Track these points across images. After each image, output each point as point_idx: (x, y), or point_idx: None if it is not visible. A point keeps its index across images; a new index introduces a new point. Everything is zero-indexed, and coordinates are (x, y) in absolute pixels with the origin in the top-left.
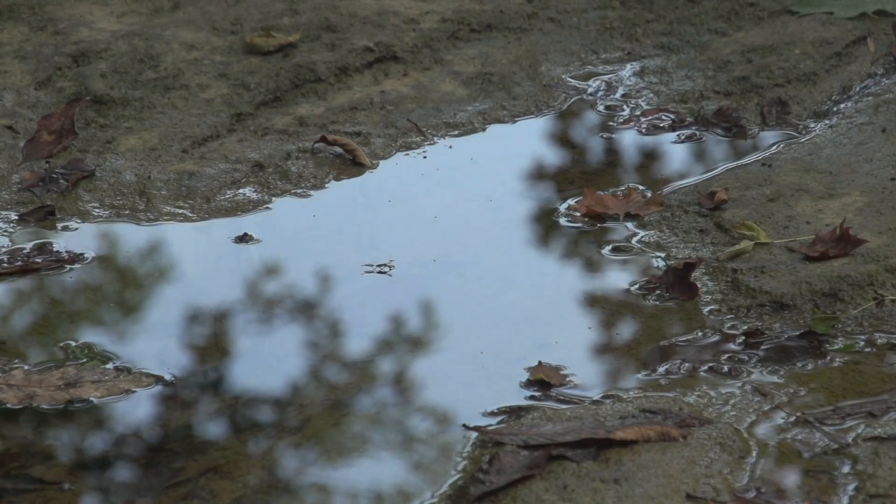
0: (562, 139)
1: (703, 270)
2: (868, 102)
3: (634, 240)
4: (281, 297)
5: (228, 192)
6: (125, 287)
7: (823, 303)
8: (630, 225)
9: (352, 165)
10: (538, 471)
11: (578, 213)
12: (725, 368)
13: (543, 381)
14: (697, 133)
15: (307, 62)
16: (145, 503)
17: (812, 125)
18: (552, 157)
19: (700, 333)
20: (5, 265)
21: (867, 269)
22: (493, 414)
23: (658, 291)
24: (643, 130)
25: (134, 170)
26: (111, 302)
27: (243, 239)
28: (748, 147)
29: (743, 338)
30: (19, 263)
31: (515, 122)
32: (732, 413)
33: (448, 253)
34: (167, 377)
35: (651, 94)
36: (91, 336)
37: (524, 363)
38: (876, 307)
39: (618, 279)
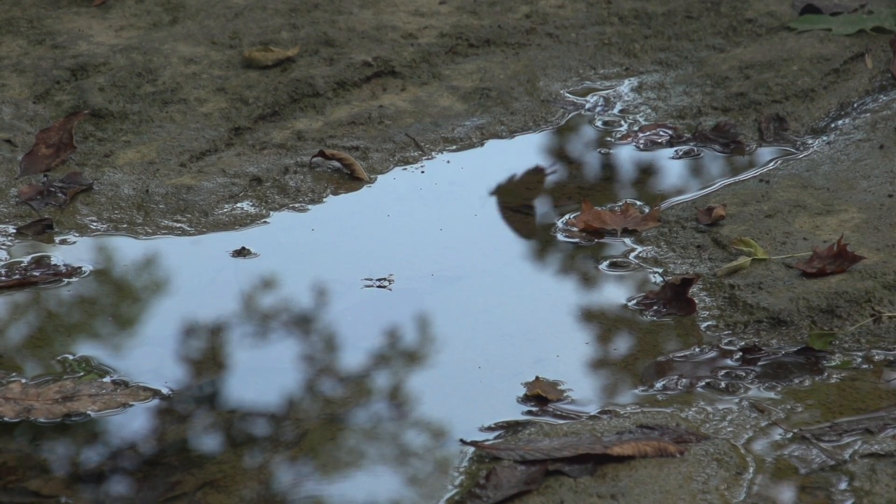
0: (559, 154)
1: (701, 286)
2: (866, 119)
3: (632, 255)
4: (279, 311)
5: (226, 206)
6: (123, 300)
7: (821, 319)
8: (627, 240)
9: (350, 180)
10: (535, 486)
11: (576, 229)
12: (722, 384)
13: (541, 396)
14: (695, 149)
15: (305, 76)
16: None
17: (810, 141)
18: (550, 172)
19: (697, 349)
20: (3, 278)
21: (864, 285)
22: (490, 429)
23: (655, 307)
24: (641, 146)
25: (132, 183)
26: (108, 315)
27: (241, 253)
28: (746, 163)
29: (740, 354)
30: (17, 277)
31: (513, 137)
32: (729, 429)
33: (446, 267)
34: (164, 391)
35: (649, 110)
36: (88, 349)
37: (521, 378)
38: (873, 324)
39: (615, 294)
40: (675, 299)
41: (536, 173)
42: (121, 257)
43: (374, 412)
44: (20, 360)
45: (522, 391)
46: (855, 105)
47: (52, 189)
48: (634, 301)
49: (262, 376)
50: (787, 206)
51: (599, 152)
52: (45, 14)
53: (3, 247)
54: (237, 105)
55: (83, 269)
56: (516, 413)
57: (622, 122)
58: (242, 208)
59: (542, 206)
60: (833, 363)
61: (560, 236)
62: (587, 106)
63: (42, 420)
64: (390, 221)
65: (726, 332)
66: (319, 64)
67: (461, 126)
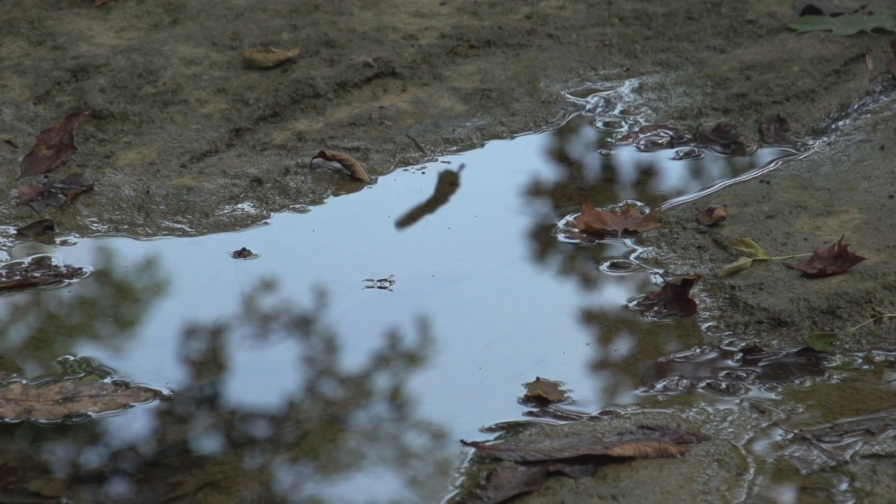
0: (560, 155)
1: (702, 287)
2: (866, 120)
3: (632, 256)
4: (279, 312)
5: (227, 207)
6: (123, 301)
7: (821, 320)
8: (628, 241)
9: (350, 181)
10: (536, 487)
11: (576, 230)
12: (723, 385)
13: (541, 396)
14: (696, 150)
15: (306, 77)
16: None
17: (810, 142)
18: (550, 173)
19: (698, 350)
20: (4, 279)
21: (865, 286)
22: (490, 430)
23: (656, 308)
24: (641, 147)
25: (133, 184)
26: (109, 316)
27: (242, 254)
28: (746, 164)
29: (741, 354)
30: (18, 277)
31: (514, 137)
32: (730, 430)
33: (447, 268)
34: (165, 392)
35: (649, 111)
36: (89, 350)
37: (522, 379)
38: (874, 324)
39: (616, 295)
40: (676, 300)
41: (537, 174)
42: (121, 258)
43: (375, 413)
44: (21, 361)
45: (523, 392)
46: (855, 106)
47: (53, 190)
48: (635, 302)
49: (263, 377)
50: (788, 207)
51: (600, 153)
52: (45, 15)
53: (4, 248)
54: (238, 106)
55: (84, 269)
56: (517, 414)
57: (623, 123)
58: (243, 209)
59: (542, 206)
60: (834, 364)
61: (561, 237)
62: (588, 107)
63: (43, 421)
64: (391, 222)
65: (727, 333)
66: (320, 65)
67: (462, 127)
